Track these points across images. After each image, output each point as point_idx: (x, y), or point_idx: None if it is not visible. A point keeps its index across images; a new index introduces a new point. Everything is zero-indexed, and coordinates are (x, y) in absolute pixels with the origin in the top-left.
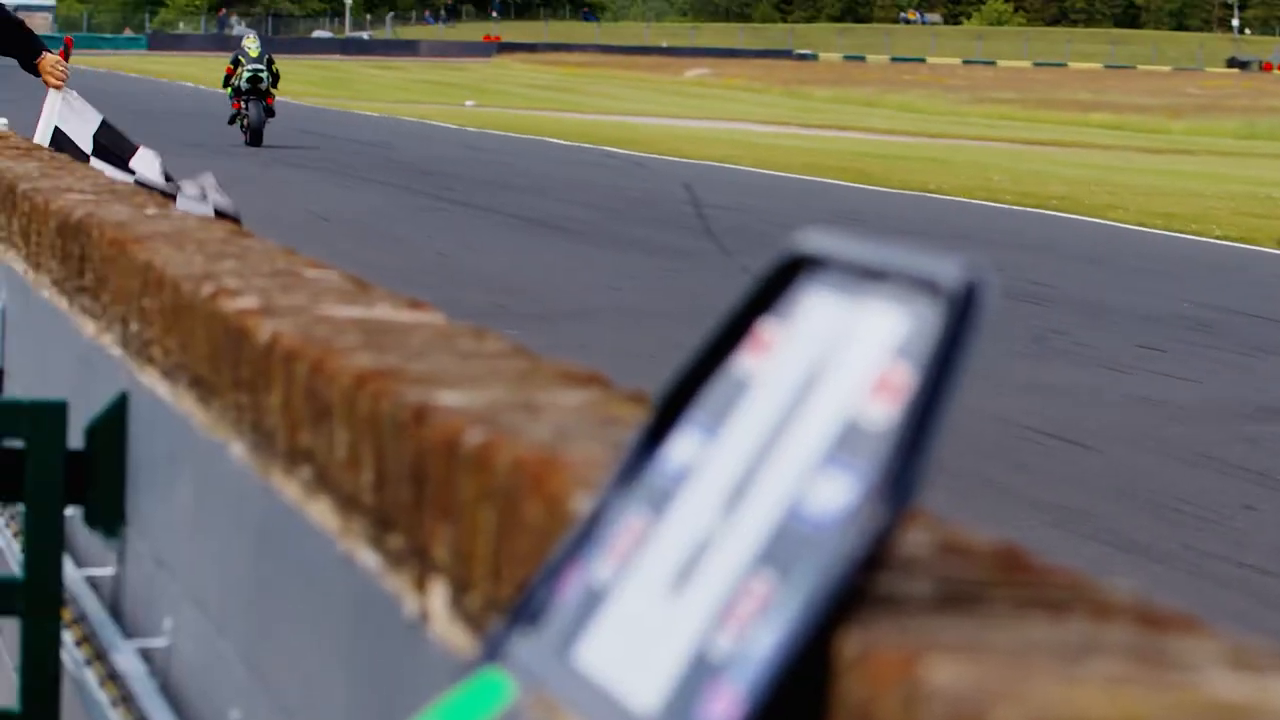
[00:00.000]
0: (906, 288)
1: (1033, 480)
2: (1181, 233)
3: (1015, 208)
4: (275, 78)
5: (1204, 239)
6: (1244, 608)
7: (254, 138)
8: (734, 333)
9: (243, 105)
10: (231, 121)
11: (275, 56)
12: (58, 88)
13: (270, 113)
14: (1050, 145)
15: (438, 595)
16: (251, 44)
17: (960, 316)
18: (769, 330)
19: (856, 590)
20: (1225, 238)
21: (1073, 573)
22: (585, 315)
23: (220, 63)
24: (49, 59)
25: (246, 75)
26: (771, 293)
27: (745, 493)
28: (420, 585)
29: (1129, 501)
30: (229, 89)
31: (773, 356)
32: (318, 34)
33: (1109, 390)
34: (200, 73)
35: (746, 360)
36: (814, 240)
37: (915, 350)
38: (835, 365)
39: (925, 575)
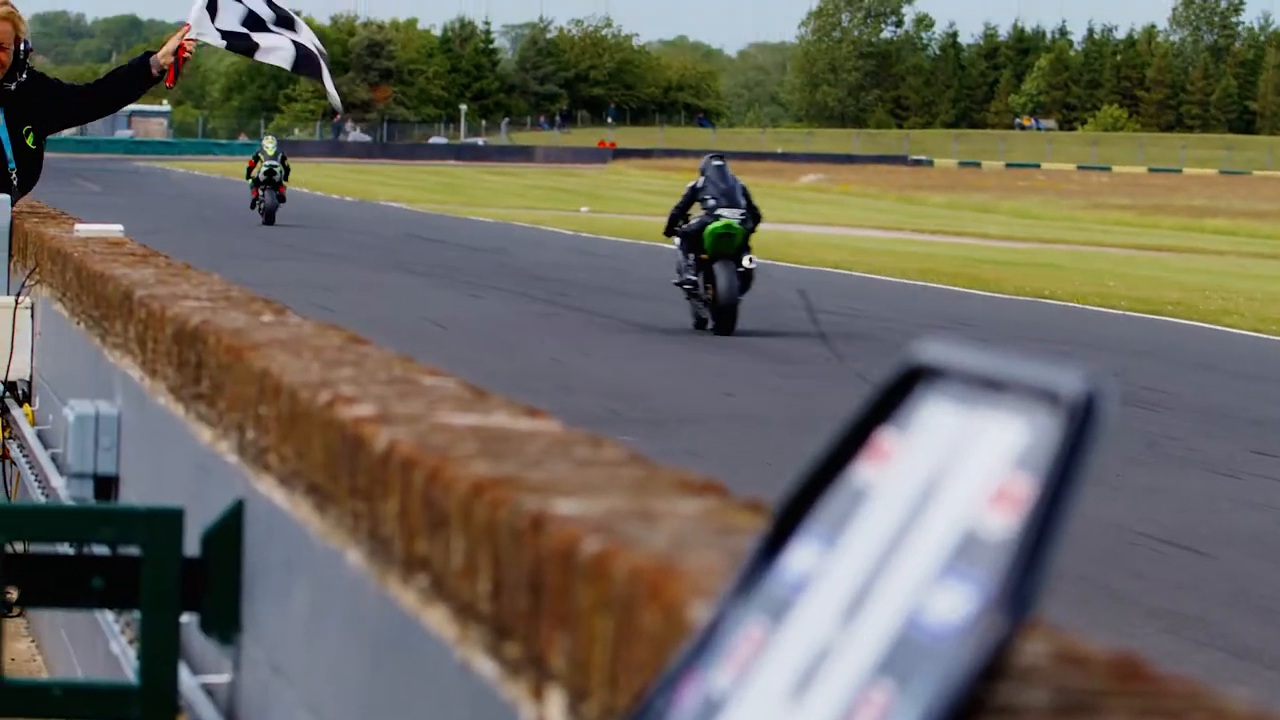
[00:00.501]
0: (1025, 398)
1: (1147, 587)
2: None
3: (1129, 313)
4: (287, 171)
5: None
6: None
7: (269, 218)
8: (853, 442)
9: (260, 193)
10: (252, 206)
11: (388, 162)
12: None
13: (282, 199)
14: (1165, 251)
15: (555, 704)
16: (269, 144)
17: (1080, 428)
18: (888, 440)
19: (975, 700)
20: None
21: (1190, 681)
22: (698, 421)
23: (334, 169)
24: (160, 53)
25: (264, 169)
26: (890, 402)
27: (864, 602)
28: (537, 694)
29: (1243, 608)
30: (250, 179)
31: (892, 466)
32: (433, 140)
33: (1222, 495)
34: (316, 178)
35: (865, 470)
36: (932, 350)
37: (1034, 461)
38: (954, 475)
39: (1043, 685)
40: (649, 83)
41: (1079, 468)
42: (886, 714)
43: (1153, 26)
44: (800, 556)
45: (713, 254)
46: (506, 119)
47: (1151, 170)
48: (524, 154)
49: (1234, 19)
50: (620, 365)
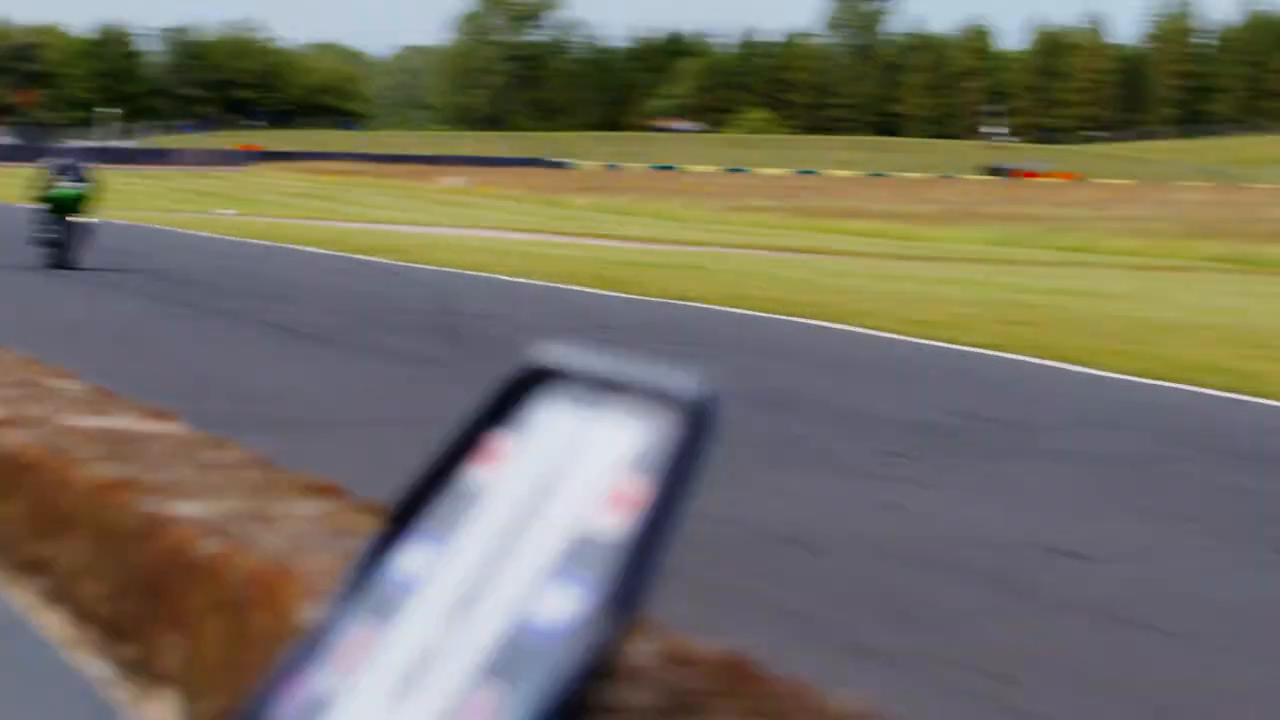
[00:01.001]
0: (642, 401)
1: (773, 588)
2: (935, 340)
3: (769, 315)
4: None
5: (957, 346)
6: (973, 712)
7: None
8: (466, 444)
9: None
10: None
11: (20, 167)
12: None
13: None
14: (807, 253)
15: (167, 705)
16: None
17: (693, 429)
18: (503, 442)
19: (584, 701)
20: (977, 344)
21: (796, 682)
22: (333, 424)
23: None
24: None
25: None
26: (506, 405)
27: (473, 604)
28: (149, 695)
29: (869, 609)
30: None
31: (506, 468)
32: (73, 144)
33: (853, 496)
34: None
35: (479, 472)
36: (550, 353)
37: (649, 463)
38: (569, 477)
39: (651, 685)
40: (295, 86)
41: (692, 470)
42: (494, 715)
43: (802, 31)
44: (411, 558)
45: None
46: (153, 122)
47: (797, 172)
48: (170, 156)
49: (879, 24)
50: (255, 368)
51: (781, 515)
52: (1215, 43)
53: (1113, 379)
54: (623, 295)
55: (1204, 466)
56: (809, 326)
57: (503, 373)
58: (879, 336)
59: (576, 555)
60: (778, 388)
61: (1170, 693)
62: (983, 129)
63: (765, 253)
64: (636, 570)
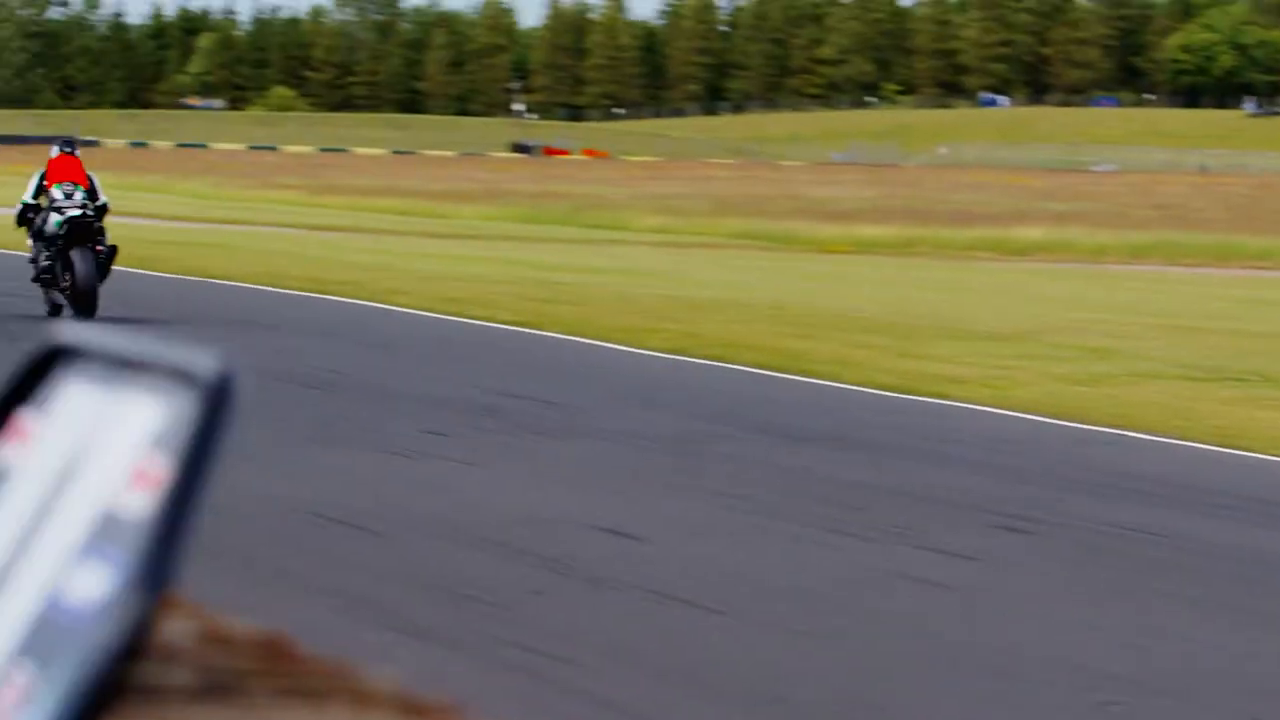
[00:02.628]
0: (163, 380)
1: (320, 567)
2: (468, 317)
3: (301, 293)
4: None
5: (490, 323)
6: (529, 690)
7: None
8: None
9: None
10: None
11: None
12: None
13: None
14: (337, 231)
15: None
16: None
17: (213, 407)
18: (28, 420)
19: (117, 681)
20: (511, 322)
21: (335, 662)
22: None
23: None
24: None
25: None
26: (28, 383)
27: (3, 584)
28: None
29: (416, 587)
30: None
31: (31, 447)
32: None
33: (395, 475)
34: None
35: (5, 451)
36: (71, 332)
37: (171, 441)
38: (94, 456)
39: (186, 665)
40: None
41: (213, 447)
42: (28, 696)
43: (319, 6)
44: None
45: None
46: None
47: (322, 150)
48: None
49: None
50: None
51: (325, 494)
52: (733, 19)
53: (648, 356)
54: (150, 273)
55: (744, 445)
56: (343, 304)
57: (23, 352)
58: (413, 315)
59: (104, 534)
60: (316, 366)
61: (719, 671)
62: (513, 107)
63: (295, 231)
64: (163, 548)
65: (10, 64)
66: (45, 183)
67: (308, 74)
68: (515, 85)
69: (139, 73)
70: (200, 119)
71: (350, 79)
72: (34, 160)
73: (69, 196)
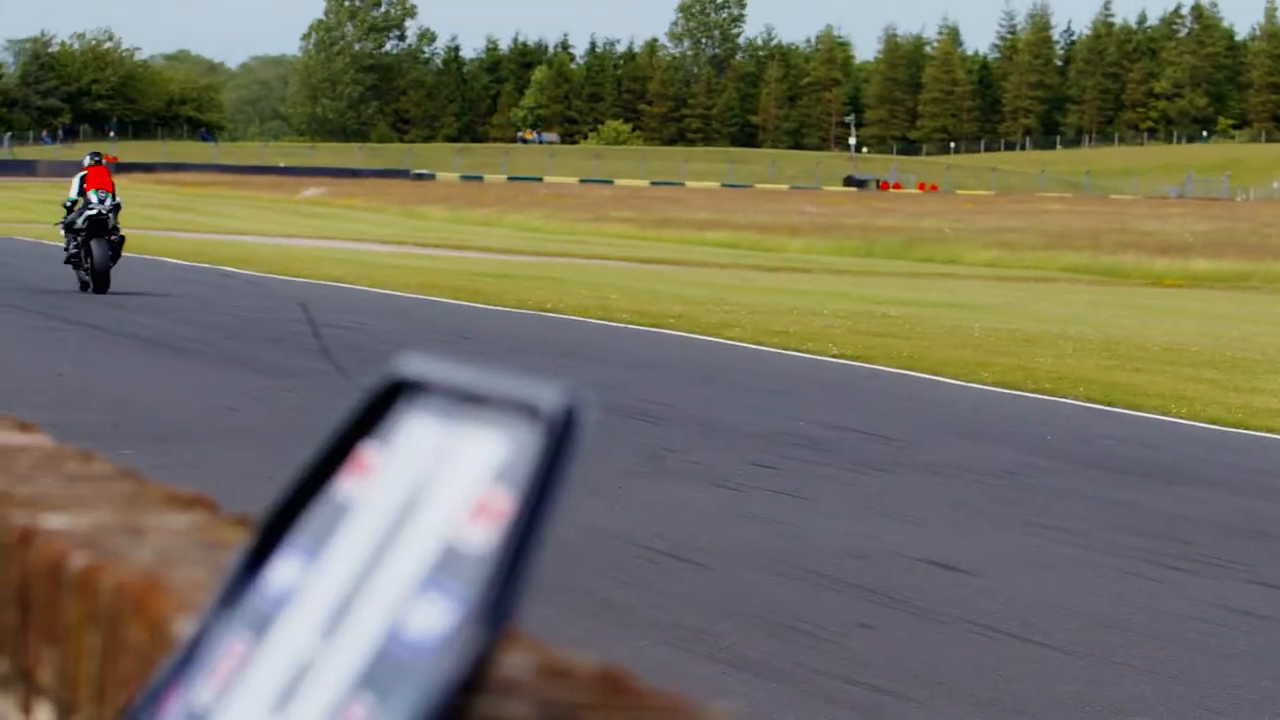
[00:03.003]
0: (507, 412)
1: (648, 599)
2: (797, 351)
3: (631, 326)
4: (118, 210)
5: (820, 357)
6: None
7: (99, 282)
8: (336, 455)
9: (84, 249)
10: (69, 261)
11: None
12: None
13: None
14: (668, 264)
15: (43, 718)
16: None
17: (558, 441)
18: (371, 453)
19: (455, 714)
20: (842, 355)
21: (674, 696)
22: (199, 436)
23: None
24: None
25: (90, 215)
26: (373, 416)
27: (345, 616)
28: (26, 708)
29: (743, 620)
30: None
31: (374, 480)
32: None
33: (722, 508)
34: None
35: (348, 484)
36: (414, 365)
37: (514, 474)
38: (435, 489)
39: (526, 698)
40: (151, 96)
41: (558, 481)
42: None
43: (654, 40)
44: (283, 571)
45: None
46: (9, 133)
47: (654, 183)
48: (27, 168)
49: (734, 32)
50: (122, 380)
51: (655, 527)
52: (1068, 53)
53: (980, 391)
54: (484, 306)
55: (1072, 478)
56: (673, 337)
57: (369, 384)
58: (743, 348)
59: (445, 567)
60: (644, 399)
61: (1046, 703)
62: (849, 140)
63: (626, 264)
64: (505, 582)
65: (344, 96)
66: (85, 186)
67: (642, 107)
68: (849, 119)
69: (473, 106)
70: (533, 152)
71: (684, 112)
72: (367, 192)
73: (101, 201)
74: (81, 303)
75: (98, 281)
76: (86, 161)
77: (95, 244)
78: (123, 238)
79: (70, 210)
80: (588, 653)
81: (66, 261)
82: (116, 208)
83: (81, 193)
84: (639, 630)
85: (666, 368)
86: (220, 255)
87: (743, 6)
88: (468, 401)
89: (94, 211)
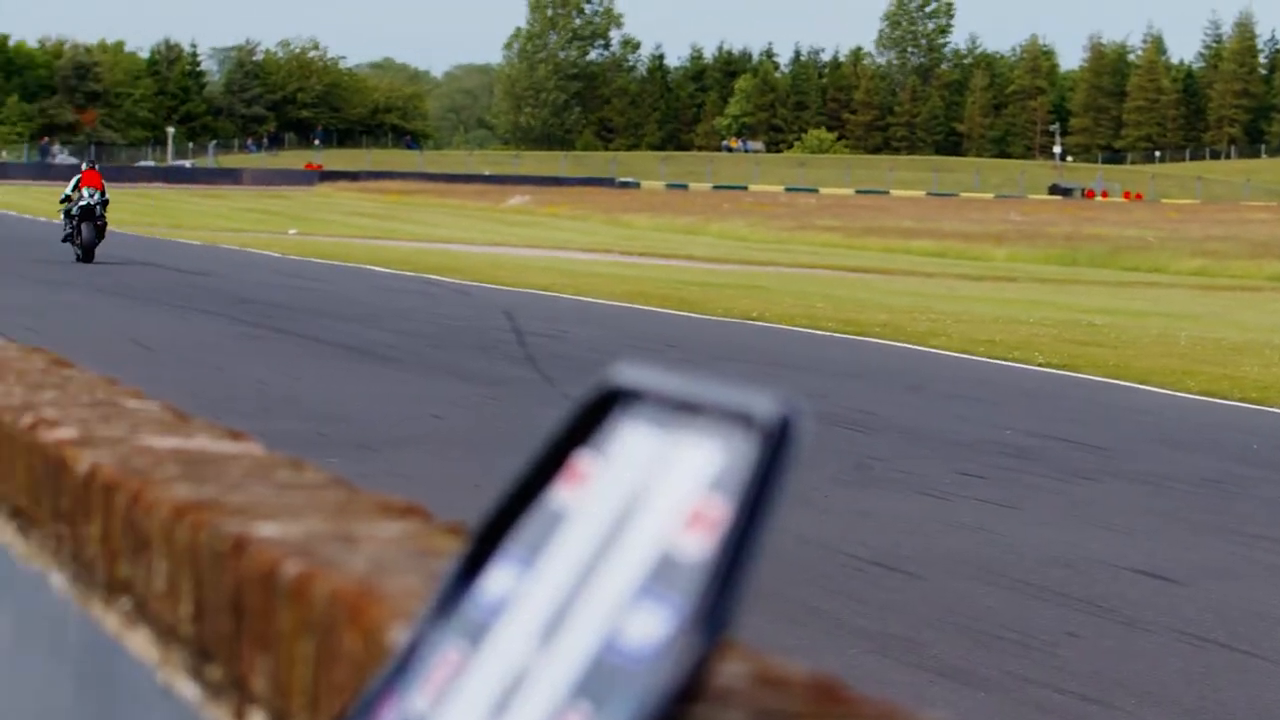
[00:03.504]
0: (721, 421)
1: (855, 608)
2: (1003, 359)
3: (837, 335)
4: (105, 204)
5: (1026, 365)
6: None
7: (87, 255)
8: (550, 464)
9: (76, 229)
10: (65, 240)
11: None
12: None
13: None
14: (873, 273)
15: None
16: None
17: (774, 450)
18: (585, 462)
19: None
20: (1048, 364)
21: (887, 704)
22: (406, 443)
23: (43, 191)
24: None
25: (81, 204)
26: (587, 425)
27: (561, 625)
28: (239, 715)
29: (950, 628)
30: (63, 212)
31: (588, 489)
32: (141, 163)
33: (929, 516)
34: (25, 201)
35: (563, 492)
36: (629, 374)
37: (729, 483)
38: (650, 498)
39: (740, 707)
40: (356, 105)
41: (774, 490)
42: None
43: (859, 49)
44: (498, 579)
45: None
46: (214, 141)
47: (859, 192)
48: (231, 176)
49: (940, 41)
50: (327, 388)
51: (863, 536)
52: (1273, 61)
53: (1185, 399)
54: (690, 315)
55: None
56: (878, 346)
57: (577, 392)
58: (948, 356)
59: (661, 576)
60: (849, 408)
61: (1253, 713)
62: (1054, 148)
63: (831, 272)
64: (722, 591)
65: (548, 104)
66: (79, 184)
67: (847, 116)
68: (1054, 127)
69: (677, 115)
70: (737, 161)
71: (889, 120)
72: (571, 200)
73: (90, 196)
74: (289, 313)
75: (86, 254)
76: (84, 166)
77: (85, 227)
78: (105, 223)
79: (67, 201)
80: (798, 661)
81: (64, 240)
82: (104, 202)
83: (75, 189)
84: (846, 639)
85: (872, 376)
86: (425, 263)
87: (951, 16)
88: (682, 410)
89: (85, 203)
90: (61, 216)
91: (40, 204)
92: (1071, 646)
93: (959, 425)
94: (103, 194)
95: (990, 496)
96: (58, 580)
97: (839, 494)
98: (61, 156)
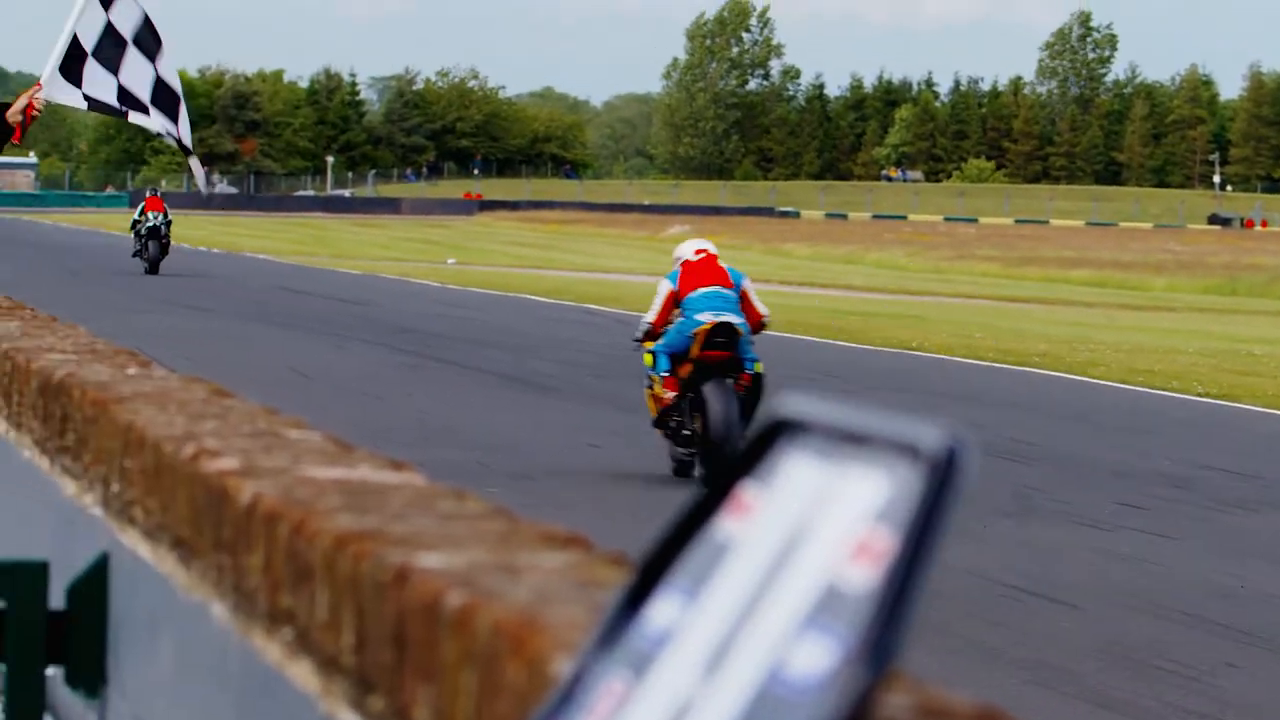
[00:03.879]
0: (887, 452)
1: (1015, 639)
2: (1163, 389)
3: (996, 365)
4: (169, 225)
5: (1185, 396)
6: None
7: (153, 268)
8: (715, 496)
9: (144, 246)
10: (135, 255)
11: (256, 214)
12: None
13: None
14: (1032, 302)
15: None
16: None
17: (941, 482)
18: (750, 494)
19: None
20: (1207, 395)
21: None
22: (565, 473)
23: (202, 220)
24: (10, 110)
25: (149, 225)
26: (752, 456)
27: (726, 656)
28: None
29: (1109, 659)
30: (133, 231)
31: (753, 520)
32: (300, 192)
33: (1089, 547)
34: (183, 230)
35: (728, 524)
36: (795, 405)
37: (895, 515)
38: (815, 529)
39: None
40: (515, 134)
41: (940, 522)
42: None
43: (1019, 78)
44: (662, 610)
45: (148, 236)
46: (373, 171)
47: (1018, 221)
48: (391, 206)
49: (1101, 70)
50: (487, 417)
51: (1023, 566)
52: None
53: None
54: (849, 344)
55: None
56: (1037, 376)
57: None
58: (1108, 386)
59: (827, 607)
60: (1009, 438)
61: None
62: (1214, 178)
63: (990, 302)
64: (887, 622)
65: (707, 134)
66: (145, 209)
67: (1006, 145)
68: (1214, 157)
69: (837, 144)
70: (897, 190)
71: (1049, 150)
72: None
73: (155, 218)
74: (449, 342)
75: (152, 267)
76: (148, 194)
77: (151, 244)
78: (169, 241)
79: (136, 224)
80: (960, 692)
81: (133, 255)
82: (168, 223)
83: (142, 213)
84: (1006, 670)
85: (1031, 406)
86: (585, 293)
87: (1114, 47)
88: (848, 441)
89: (151, 224)
90: (132, 235)
91: (200, 233)
92: (1231, 677)
93: (1118, 455)
94: (165, 216)
95: (1149, 527)
96: (219, 610)
97: (998, 524)
98: (221, 186)
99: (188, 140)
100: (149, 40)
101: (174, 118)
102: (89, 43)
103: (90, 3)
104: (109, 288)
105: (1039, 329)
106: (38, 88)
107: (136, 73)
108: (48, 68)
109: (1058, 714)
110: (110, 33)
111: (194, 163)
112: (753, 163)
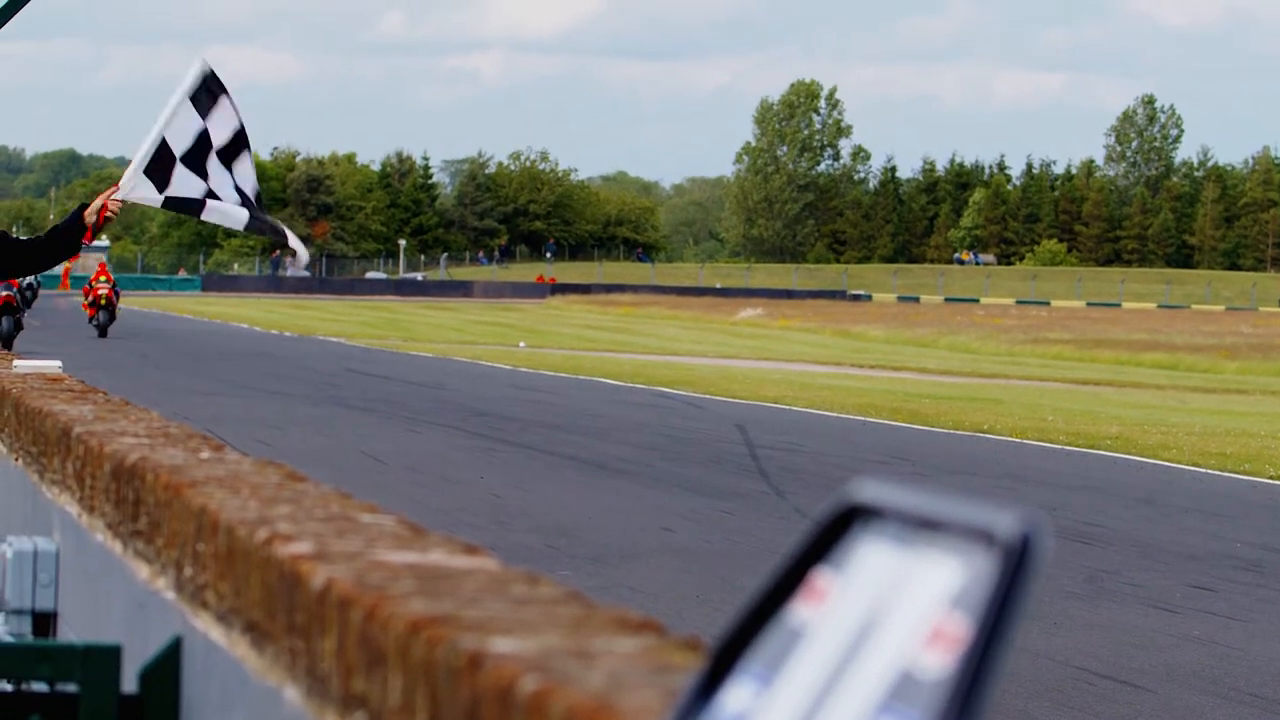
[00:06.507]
0: (961, 537)
1: None
2: (1235, 473)
3: (1068, 448)
4: (118, 294)
5: (1258, 479)
6: None
7: (102, 332)
8: (789, 581)
9: (97, 312)
10: (90, 321)
11: (327, 297)
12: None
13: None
14: (1104, 385)
15: None
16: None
17: (1015, 568)
18: (824, 579)
19: None
20: (1278, 477)
21: None
22: (638, 557)
23: (274, 304)
24: (88, 210)
25: (101, 292)
26: (827, 541)
27: None
28: None
29: None
30: (88, 300)
31: (828, 606)
32: (371, 275)
33: (1160, 630)
34: (255, 314)
35: (802, 609)
36: (868, 490)
37: (970, 601)
38: (890, 615)
39: None
40: (587, 218)
41: (1015, 608)
42: None
43: (1090, 161)
44: (736, 696)
45: (96, 305)
46: (445, 254)
47: (1090, 304)
48: (463, 289)
49: (1171, 153)
50: (559, 501)
51: (1094, 649)
52: None
53: None
54: (921, 428)
55: None
56: (1109, 458)
57: (808, 505)
58: (1179, 469)
59: (901, 694)
60: (1080, 520)
61: None
62: None
63: (1061, 385)
64: (962, 709)
65: (781, 217)
66: (95, 276)
67: (1078, 228)
68: None
69: (909, 226)
70: (969, 273)
71: (1119, 233)
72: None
73: (104, 284)
74: (521, 425)
75: (101, 331)
76: (96, 263)
77: (101, 312)
78: (115, 307)
79: (89, 290)
80: None
81: (89, 322)
82: (117, 294)
83: (90, 281)
84: None
85: (1103, 489)
86: (657, 376)
87: (1180, 128)
88: (922, 526)
89: (102, 291)
90: (84, 302)
91: (271, 317)
92: None
93: (1190, 538)
94: (112, 283)
95: (1221, 610)
96: (292, 694)
97: (1070, 607)
98: (292, 270)
99: (275, 223)
100: (239, 148)
101: (256, 209)
102: (179, 148)
103: (184, 106)
104: (183, 373)
105: (1111, 411)
106: (114, 189)
107: (223, 180)
108: (130, 169)
109: None
110: (203, 140)
111: (294, 240)
112: (825, 245)
